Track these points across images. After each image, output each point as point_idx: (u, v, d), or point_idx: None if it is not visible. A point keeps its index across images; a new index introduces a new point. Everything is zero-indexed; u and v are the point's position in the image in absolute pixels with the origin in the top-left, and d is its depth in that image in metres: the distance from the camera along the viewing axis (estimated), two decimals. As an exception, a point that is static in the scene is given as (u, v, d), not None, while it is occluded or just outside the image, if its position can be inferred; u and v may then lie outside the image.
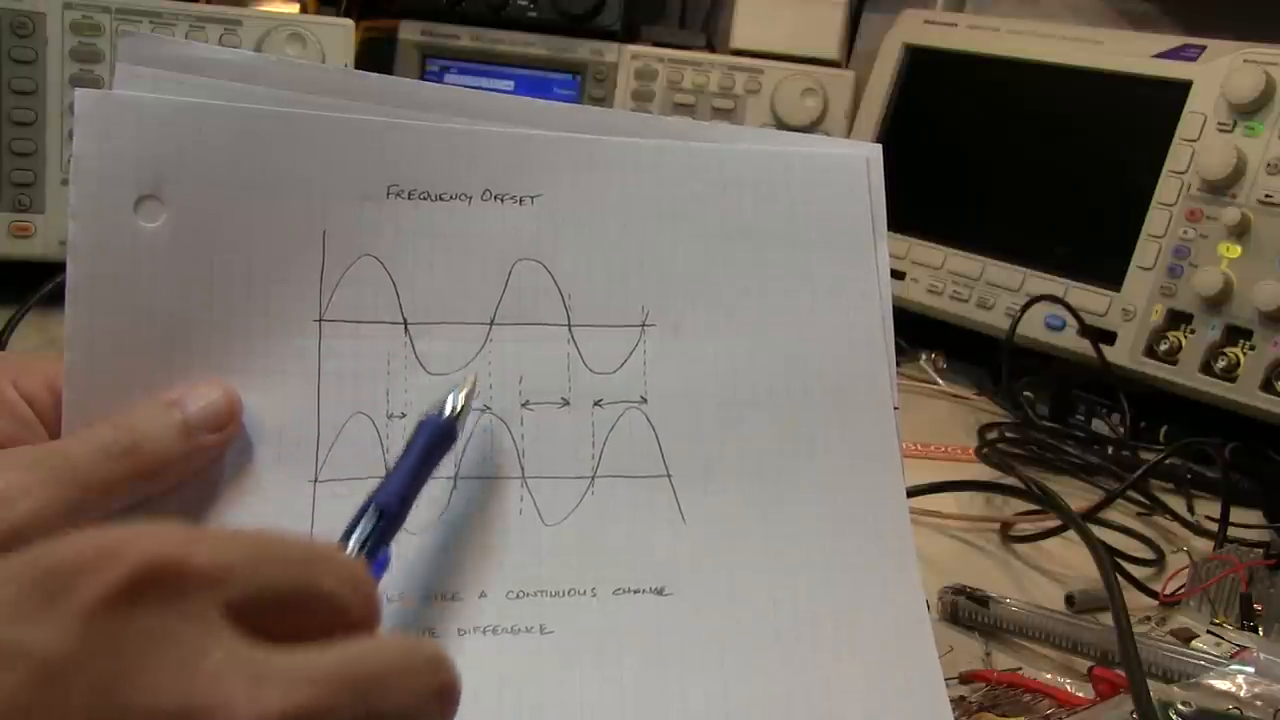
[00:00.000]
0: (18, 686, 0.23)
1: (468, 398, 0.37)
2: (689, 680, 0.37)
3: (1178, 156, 0.85)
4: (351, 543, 0.33)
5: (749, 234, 0.42)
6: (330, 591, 0.28)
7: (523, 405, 0.40)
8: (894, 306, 0.43)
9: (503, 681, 0.36)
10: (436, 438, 0.36)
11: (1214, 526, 0.69)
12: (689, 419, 0.40)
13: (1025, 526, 0.67)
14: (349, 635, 0.27)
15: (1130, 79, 0.89)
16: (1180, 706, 0.44)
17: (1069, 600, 0.58)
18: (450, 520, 0.38)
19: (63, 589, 0.24)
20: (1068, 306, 0.87)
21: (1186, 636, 0.53)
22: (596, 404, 0.40)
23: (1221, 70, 0.83)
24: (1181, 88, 0.85)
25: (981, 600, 0.55)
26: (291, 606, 0.27)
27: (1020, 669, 0.50)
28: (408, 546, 0.37)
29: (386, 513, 0.34)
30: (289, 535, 0.29)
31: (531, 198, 0.41)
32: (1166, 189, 0.85)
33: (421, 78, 1.14)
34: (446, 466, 0.38)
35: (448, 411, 0.37)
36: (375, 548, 0.33)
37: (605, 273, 0.41)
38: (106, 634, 0.24)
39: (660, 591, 0.38)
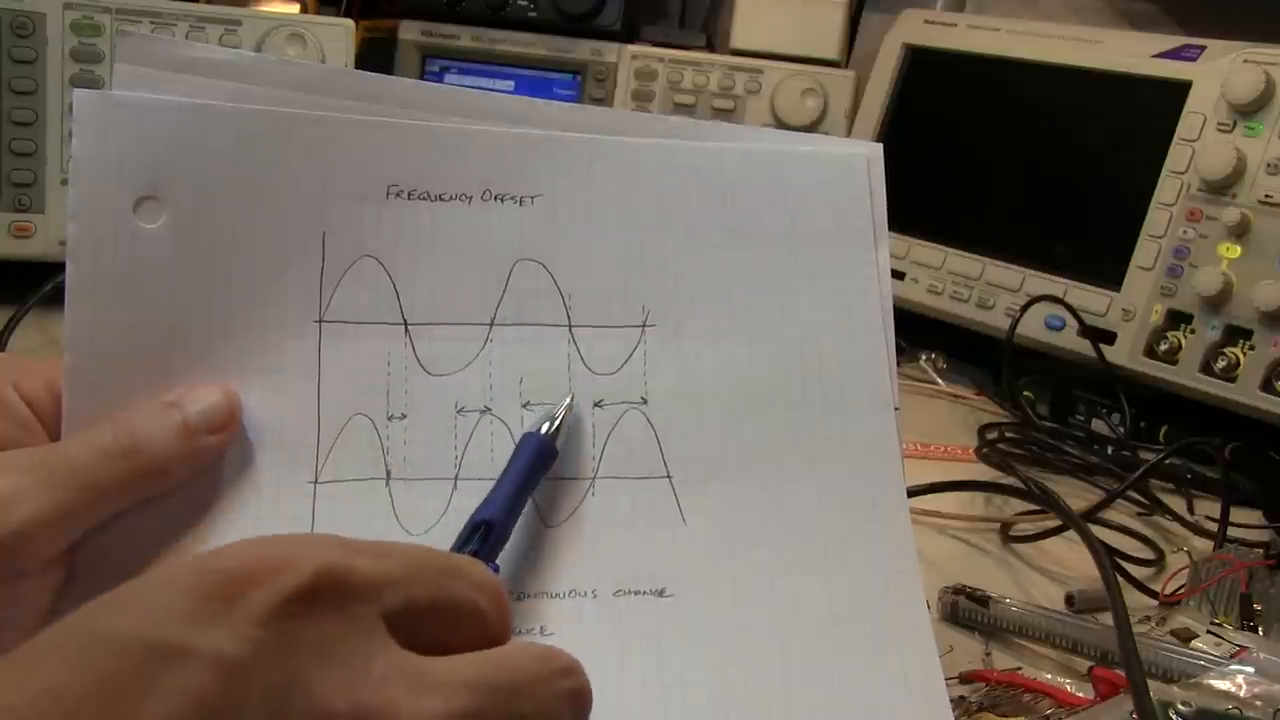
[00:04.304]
0: (202, 687, 0.24)
1: (566, 414, 0.39)
2: (690, 680, 0.37)
3: (1178, 156, 0.84)
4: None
5: (749, 234, 0.42)
6: (473, 603, 0.30)
7: (523, 406, 0.40)
8: (894, 306, 0.43)
9: (503, 682, 0.36)
10: (539, 454, 0.37)
11: (1214, 526, 0.68)
12: (689, 420, 0.40)
13: (1025, 526, 0.67)
14: (487, 641, 0.29)
15: (1130, 79, 0.89)
16: (1180, 706, 0.44)
17: (1069, 600, 0.58)
18: (450, 522, 0.38)
19: (238, 595, 0.26)
20: (1068, 306, 0.87)
21: (1186, 636, 0.53)
22: (597, 405, 0.40)
23: (1221, 70, 0.83)
24: (1181, 88, 0.85)
25: (981, 600, 0.55)
26: (439, 616, 0.29)
27: (1020, 669, 0.50)
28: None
29: (495, 528, 0.35)
30: (433, 550, 0.31)
31: (531, 198, 0.41)
32: (1166, 189, 0.85)
33: (421, 78, 1.14)
34: (445, 468, 0.38)
35: (546, 429, 0.38)
36: (485, 563, 0.34)
37: (605, 273, 0.41)
38: (281, 639, 0.26)
39: (661, 593, 0.38)
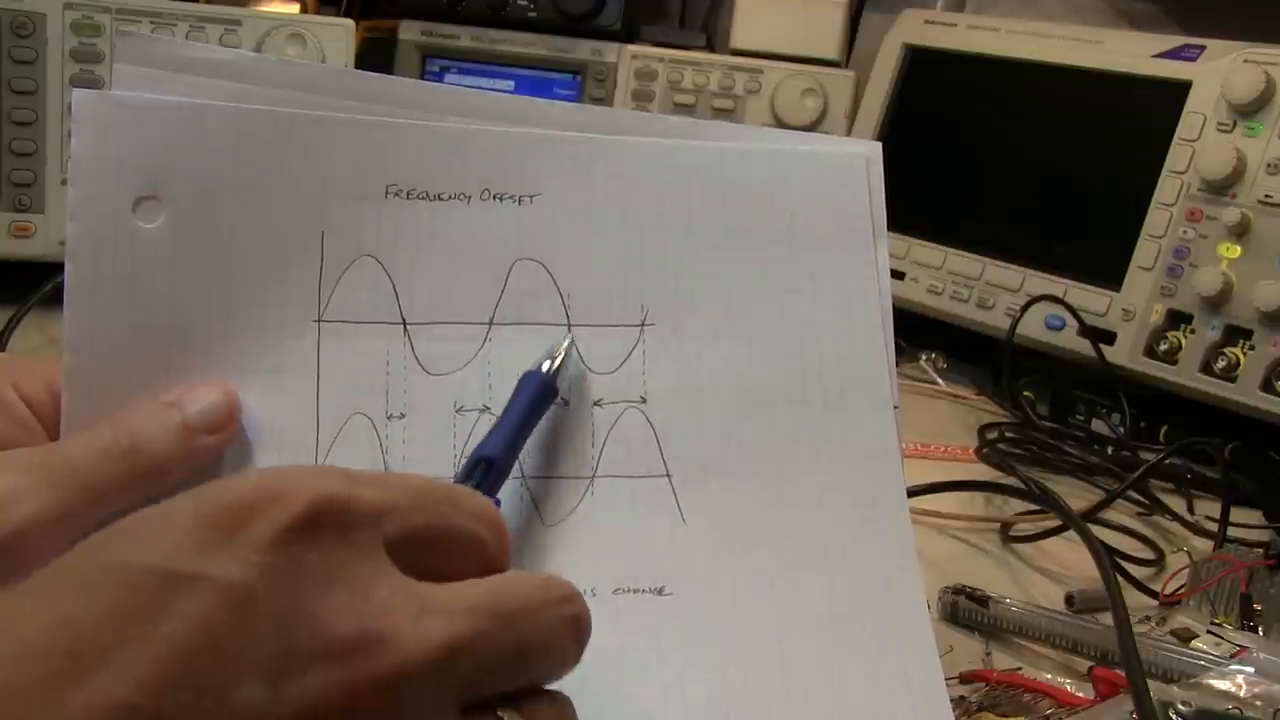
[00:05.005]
0: (211, 613, 0.25)
1: (566, 353, 0.39)
2: (690, 679, 0.37)
3: (1178, 156, 0.84)
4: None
5: (749, 233, 0.42)
6: (472, 531, 0.30)
7: (522, 405, 0.39)
8: (894, 306, 0.43)
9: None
10: (539, 391, 0.38)
11: (1214, 526, 0.68)
12: (689, 418, 0.40)
13: (1025, 526, 0.67)
14: (486, 569, 0.30)
15: (1130, 79, 0.89)
16: (1180, 706, 0.44)
17: (1069, 600, 0.58)
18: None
19: (241, 524, 0.26)
20: (1068, 306, 0.87)
21: (1186, 636, 0.53)
22: (596, 404, 0.40)
23: (1221, 70, 0.83)
24: (1181, 88, 0.85)
25: (981, 600, 0.55)
26: (439, 544, 0.29)
27: (1020, 669, 0.50)
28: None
29: (495, 464, 0.35)
30: (435, 480, 0.31)
31: (530, 197, 0.41)
32: (1166, 189, 0.85)
33: (421, 78, 1.14)
34: (445, 467, 0.38)
35: (547, 367, 0.38)
36: (488, 495, 0.34)
37: (604, 272, 0.41)
38: (285, 566, 0.26)
39: (660, 591, 0.38)
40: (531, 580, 0.30)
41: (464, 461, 0.35)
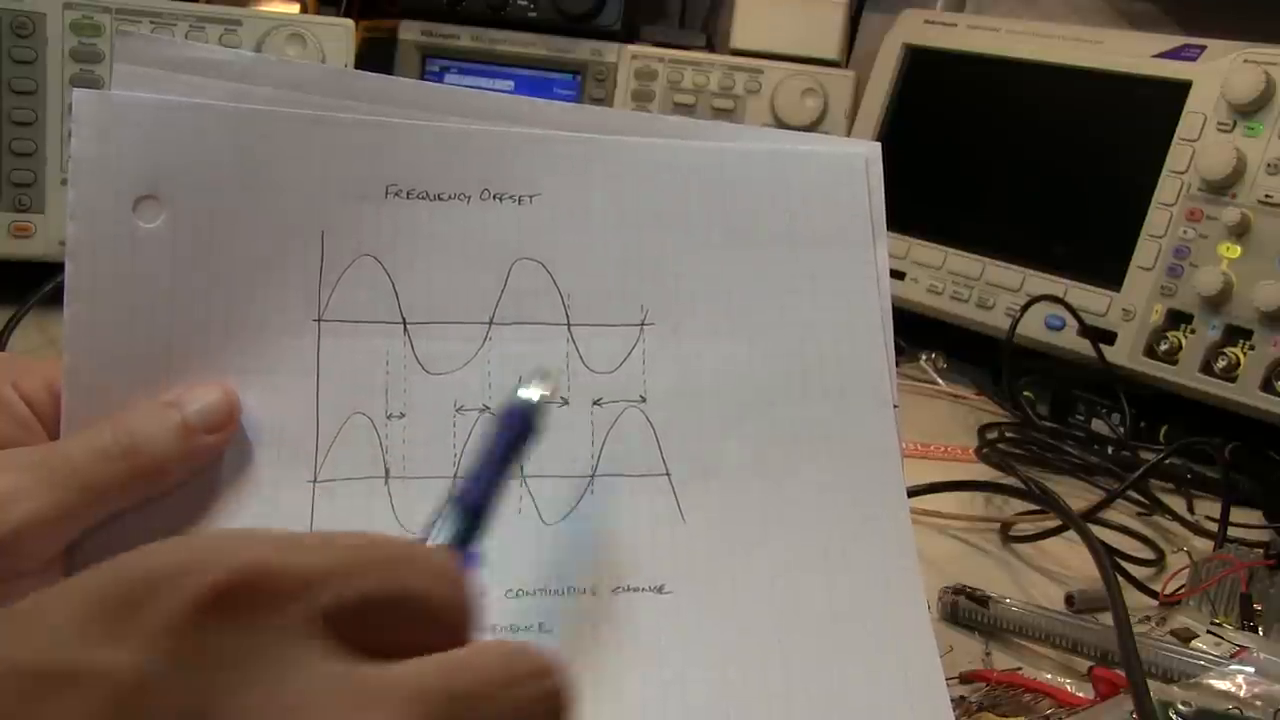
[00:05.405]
0: (89, 714, 0.21)
1: (549, 390, 0.35)
2: (690, 678, 0.37)
3: (1178, 156, 0.84)
4: (431, 543, 0.30)
5: (748, 233, 0.42)
6: (424, 593, 0.26)
7: (522, 405, 0.40)
8: (894, 306, 0.43)
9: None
10: (517, 430, 0.34)
11: (1214, 526, 0.68)
12: (688, 418, 0.40)
13: (1025, 526, 0.67)
14: (448, 640, 0.26)
15: (1130, 79, 0.89)
16: (1180, 706, 0.44)
17: (1069, 600, 0.58)
18: (449, 520, 0.38)
19: (138, 604, 0.22)
20: (1068, 306, 0.87)
21: (1186, 636, 0.53)
22: (595, 403, 0.40)
23: (1221, 70, 0.83)
24: (1181, 88, 0.85)
25: (981, 600, 0.55)
26: (387, 612, 0.25)
27: (1020, 669, 0.50)
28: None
29: (472, 509, 0.31)
30: (378, 536, 0.27)
31: (530, 197, 0.41)
32: (1166, 189, 0.85)
33: (421, 78, 1.14)
34: (444, 467, 0.38)
35: (524, 401, 0.35)
36: (462, 547, 0.30)
37: (604, 272, 0.41)
38: (191, 653, 0.22)
39: (660, 590, 0.38)
40: (497, 651, 0.26)
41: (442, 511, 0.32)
